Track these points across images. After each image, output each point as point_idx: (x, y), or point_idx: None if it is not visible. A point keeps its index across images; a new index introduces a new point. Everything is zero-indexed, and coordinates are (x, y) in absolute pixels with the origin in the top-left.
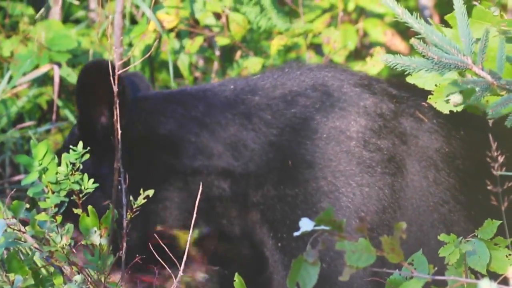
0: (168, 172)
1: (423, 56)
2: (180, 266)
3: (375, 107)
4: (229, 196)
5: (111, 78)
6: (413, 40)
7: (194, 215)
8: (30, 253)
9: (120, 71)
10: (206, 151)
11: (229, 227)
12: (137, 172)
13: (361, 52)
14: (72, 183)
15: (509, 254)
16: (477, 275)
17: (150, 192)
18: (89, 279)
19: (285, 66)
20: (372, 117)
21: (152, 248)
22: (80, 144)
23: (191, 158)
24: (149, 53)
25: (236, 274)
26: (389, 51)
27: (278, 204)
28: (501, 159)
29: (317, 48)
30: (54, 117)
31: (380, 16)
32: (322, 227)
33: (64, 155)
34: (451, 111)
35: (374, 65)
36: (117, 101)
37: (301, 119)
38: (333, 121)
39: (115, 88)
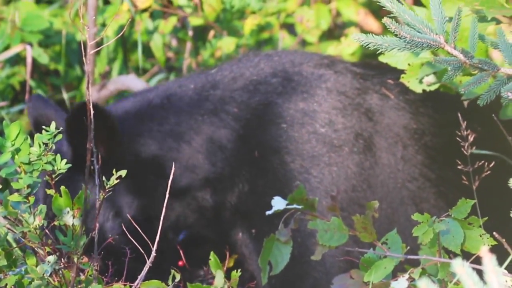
0: (163, 194)
1: (396, 35)
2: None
3: (337, 85)
4: (211, 204)
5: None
6: (385, 19)
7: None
8: (2, 234)
9: (93, 51)
10: (190, 166)
11: (207, 231)
12: (142, 197)
13: (334, 31)
14: (45, 163)
15: (483, 234)
16: (450, 254)
17: (123, 173)
18: (62, 259)
19: (241, 57)
20: (335, 95)
21: (127, 233)
22: (53, 124)
23: (179, 177)
24: (121, 33)
25: (212, 253)
26: (362, 30)
27: (250, 196)
28: (471, 138)
29: (290, 27)
30: (27, 97)
31: None
32: (295, 206)
33: (36, 135)
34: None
35: (349, 45)
36: (89, 80)
37: (264, 105)
38: (296, 103)
39: (87, 68)
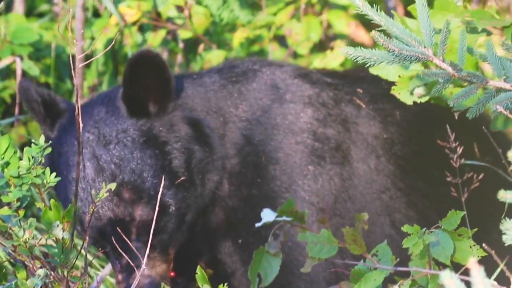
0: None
1: (384, 48)
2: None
3: (317, 96)
4: (224, 195)
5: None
6: (373, 33)
7: (157, 207)
8: None
9: (81, 64)
10: (225, 148)
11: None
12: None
13: (325, 43)
14: (34, 177)
15: (473, 245)
16: (441, 266)
17: (112, 186)
18: (52, 273)
19: (228, 62)
20: (316, 107)
21: (115, 243)
22: (42, 138)
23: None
24: (109, 47)
25: (198, 267)
26: (353, 42)
27: (243, 204)
28: (459, 150)
29: (281, 40)
30: (17, 109)
31: (344, 8)
32: (284, 218)
33: (26, 149)
34: (388, 95)
35: (335, 58)
36: (78, 94)
37: (261, 111)
38: (286, 113)
39: (76, 81)
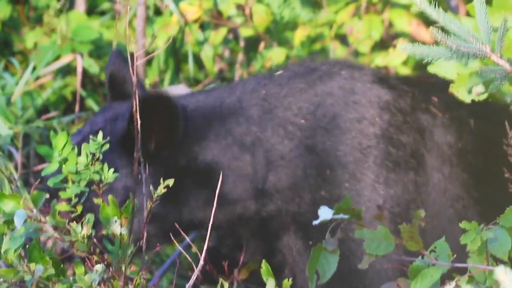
0: (206, 203)
1: (439, 45)
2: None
3: (394, 102)
4: (263, 213)
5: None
6: (431, 29)
7: (212, 214)
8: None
9: (140, 61)
10: (247, 175)
11: (252, 231)
12: (183, 199)
13: (386, 42)
14: (92, 173)
15: None
16: (499, 262)
17: (170, 182)
18: (110, 268)
19: (299, 65)
20: (393, 112)
21: (173, 238)
22: (100, 134)
23: (233, 186)
24: (166, 44)
25: (264, 261)
26: (414, 41)
27: (312, 207)
28: None
29: (342, 38)
30: (77, 107)
31: (405, 7)
32: (341, 216)
33: (84, 145)
34: (461, 102)
35: (397, 56)
36: (135, 92)
37: (329, 118)
38: (360, 118)
39: (134, 79)
